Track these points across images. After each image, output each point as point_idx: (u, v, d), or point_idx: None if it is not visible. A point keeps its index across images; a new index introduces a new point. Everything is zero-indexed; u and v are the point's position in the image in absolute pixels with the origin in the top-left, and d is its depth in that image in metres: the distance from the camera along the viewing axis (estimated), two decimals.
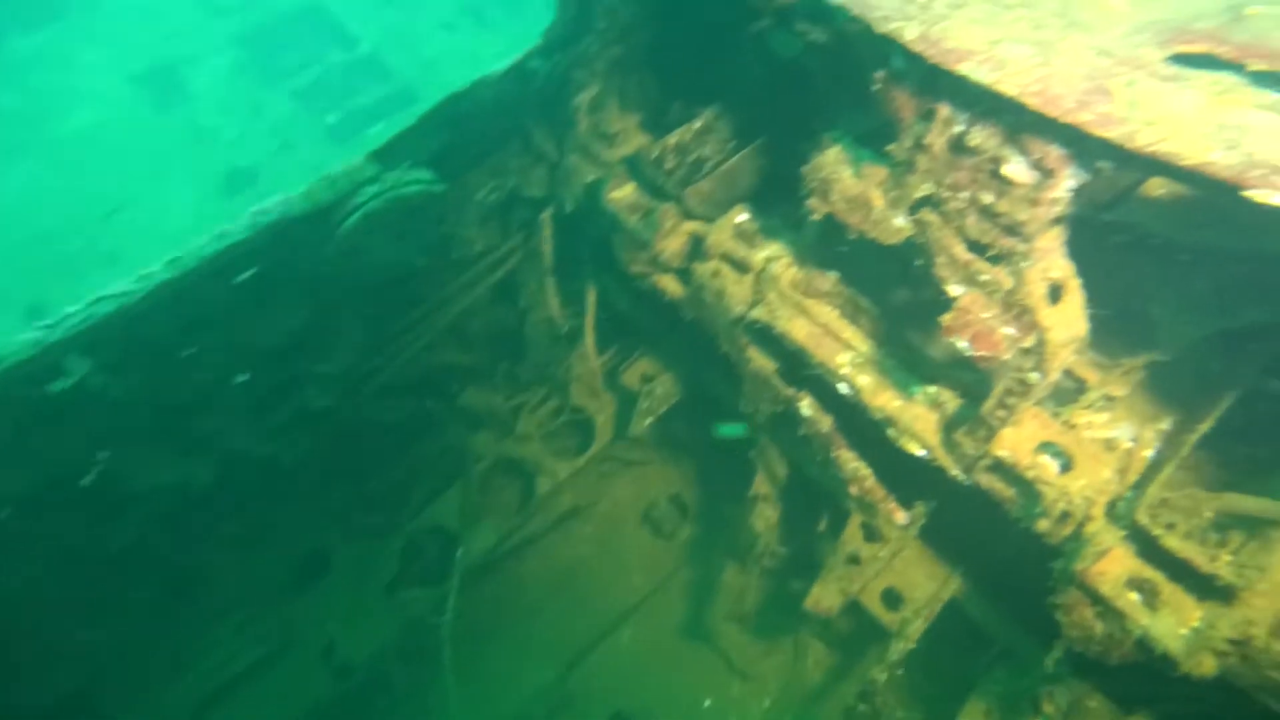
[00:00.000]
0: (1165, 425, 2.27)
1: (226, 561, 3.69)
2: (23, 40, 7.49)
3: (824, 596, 3.31)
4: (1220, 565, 1.85)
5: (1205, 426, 2.06)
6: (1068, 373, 2.42)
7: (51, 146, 6.57)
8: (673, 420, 4.22)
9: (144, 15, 7.91)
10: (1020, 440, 2.18)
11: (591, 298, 3.62)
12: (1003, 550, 2.55)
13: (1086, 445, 2.16)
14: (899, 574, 3.40)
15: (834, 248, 2.53)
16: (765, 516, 3.45)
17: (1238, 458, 2.19)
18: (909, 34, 1.59)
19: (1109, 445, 2.24)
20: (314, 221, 2.22)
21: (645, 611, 4.69)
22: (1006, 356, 1.83)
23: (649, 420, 4.05)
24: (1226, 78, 1.47)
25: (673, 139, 2.88)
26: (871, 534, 3.25)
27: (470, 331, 4.23)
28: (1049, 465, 2.15)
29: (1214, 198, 1.38)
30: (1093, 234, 2.12)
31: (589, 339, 3.80)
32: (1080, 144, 1.48)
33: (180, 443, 2.72)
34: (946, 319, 1.90)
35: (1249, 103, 1.39)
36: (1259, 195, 1.25)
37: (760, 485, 3.47)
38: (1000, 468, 2.21)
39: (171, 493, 2.83)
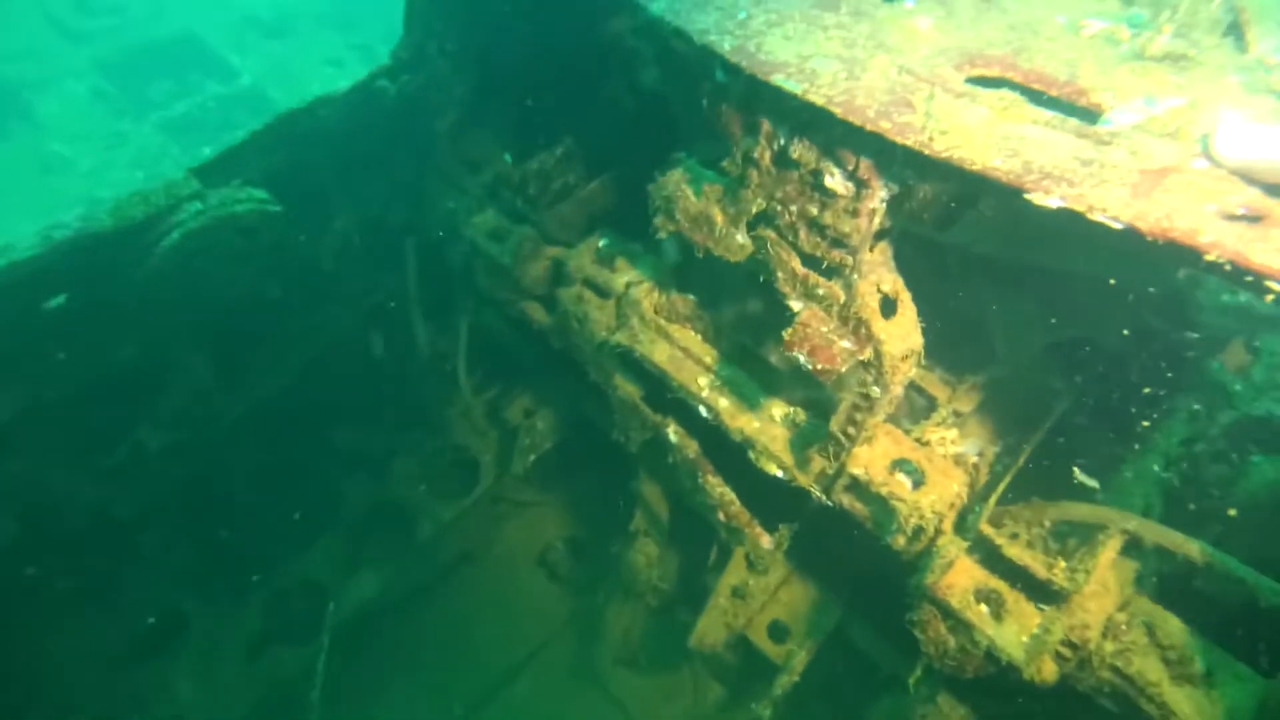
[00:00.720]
0: (1007, 438, 2.33)
1: (50, 630, 3.29)
2: None
3: (709, 631, 3.24)
4: (1056, 571, 1.88)
5: (1038, 436, 2.12)
6: (918, 389, 2.47)
7: None
8: (564, 455, 4.10)
9: None
10: (874, 458, 2.19)
11: (464, 329, 3.50)
12: (871, 571, 2.54)
13: (937, 461, 2.19)
14: (784, 605, 3.36)
15: (690, 270, 2.52)
16: (646, 552, 3.37)
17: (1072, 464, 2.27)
18: (726, 45, 1.60)
19: (958, 460, 2.28)
20: (124, 240, 2.02)
21: (542, 660, 4.48)
22: (844, 369, 1.83)
23: (532, 456, 3.93)
24: (1010, 95, 1.53)
25: (534, 164, 2.83)
26: (755, 565, 3.21)
27: (336, 367, 4.01)
28: (903, 482, 2.16)
29: (1010, 207, 1.42)
30: (931, 255, 2.19)
31: (463, 373, 3.66)
32: (886, 153, 1.50)
33: None
34: (787, 333, 1.89)
35: (1028, 118, 1.45)
36: (1034, 198, 1.28)
37: (639, 520, 3.39)
38: (856, 485, 2.21)
39: None
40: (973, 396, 2.37)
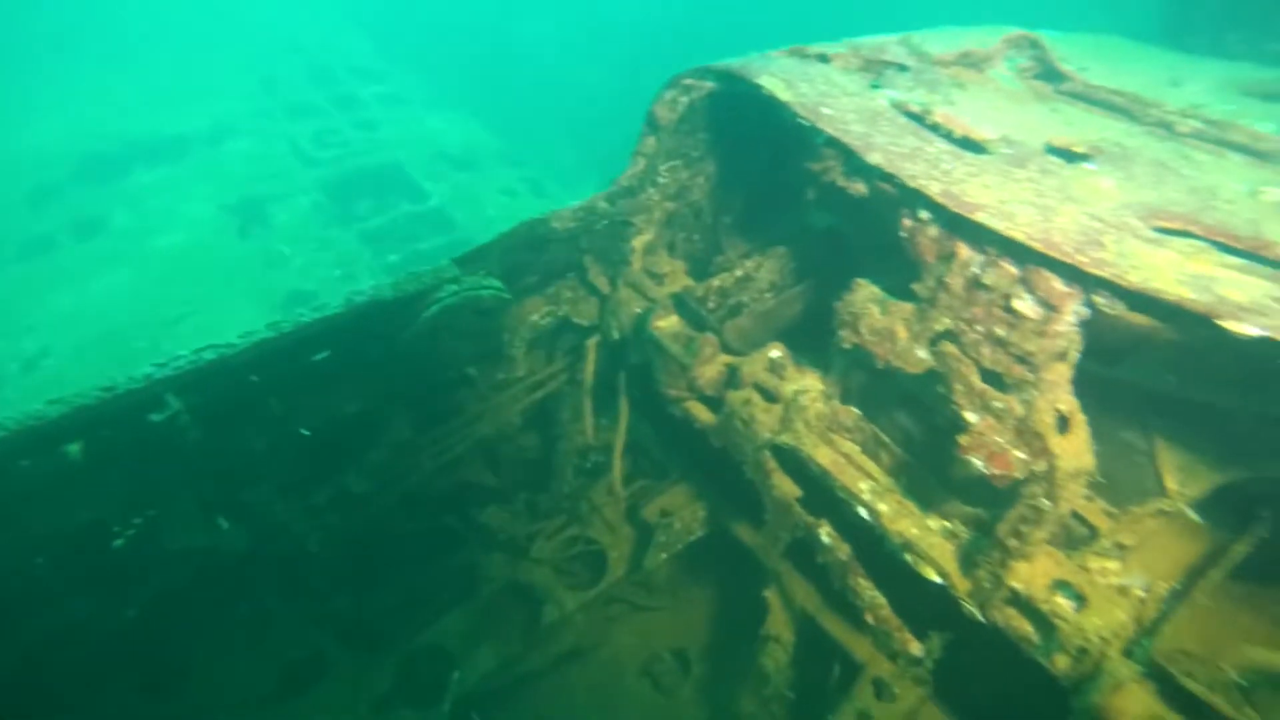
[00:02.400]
0: (1177, 578, 2.34)
1: (219, 656, 3.63)
2: (146, 173, 8.65)
3: None
4: (1245, 712, 1.86)
5: (1218, 575, 2.14)
6: (1079, 518, 2.53)
7: (145, 259, 7.31)
8: (690, 565, 4.24)
9: (250, 159, 9.06)
10: (1035, 575, 2.26)
11: (623, 424, 3.82)
12: (1015, 697, 2.50)
13: (1100, 588, 2.23)
14: None
15: (857, 385, 2.75)
16: (776, 657, 3.39)
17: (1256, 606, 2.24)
18: (934, 189, 1.92)
19: (1122, 591, 2.30)
20: (400, 307, 2.51)
21: None
22: (1019, 475, 1.98)
23: (663, 555, 4.09)
24: (1198, 244, 1.75)
25: (716, 281, 3.22)
26: (882, 691, 3.18)
27: (500, 453, 4.40)
28: (1064, 603, 2.22)
29: (1198, 341, 1.61)
30: (1105, 389, 2.34)
31: (617, 466, 3.94)
32: (1080, 282, 1.74)
33: (225, 504, 2.84)
34: (963, 439, 2.08)
35: (1216, 262, 1.67)
36: (1230, 325, 1.48)
37: (773, 624, 3.45)
38: (1016, 601, 2.27)
39: (201, 557, 2.90)
40: (1138, 530, 2.41)
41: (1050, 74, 2.65)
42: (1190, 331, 1.60)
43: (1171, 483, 2.32)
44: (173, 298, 6.73)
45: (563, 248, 3.16)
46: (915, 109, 2.32)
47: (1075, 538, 2.53)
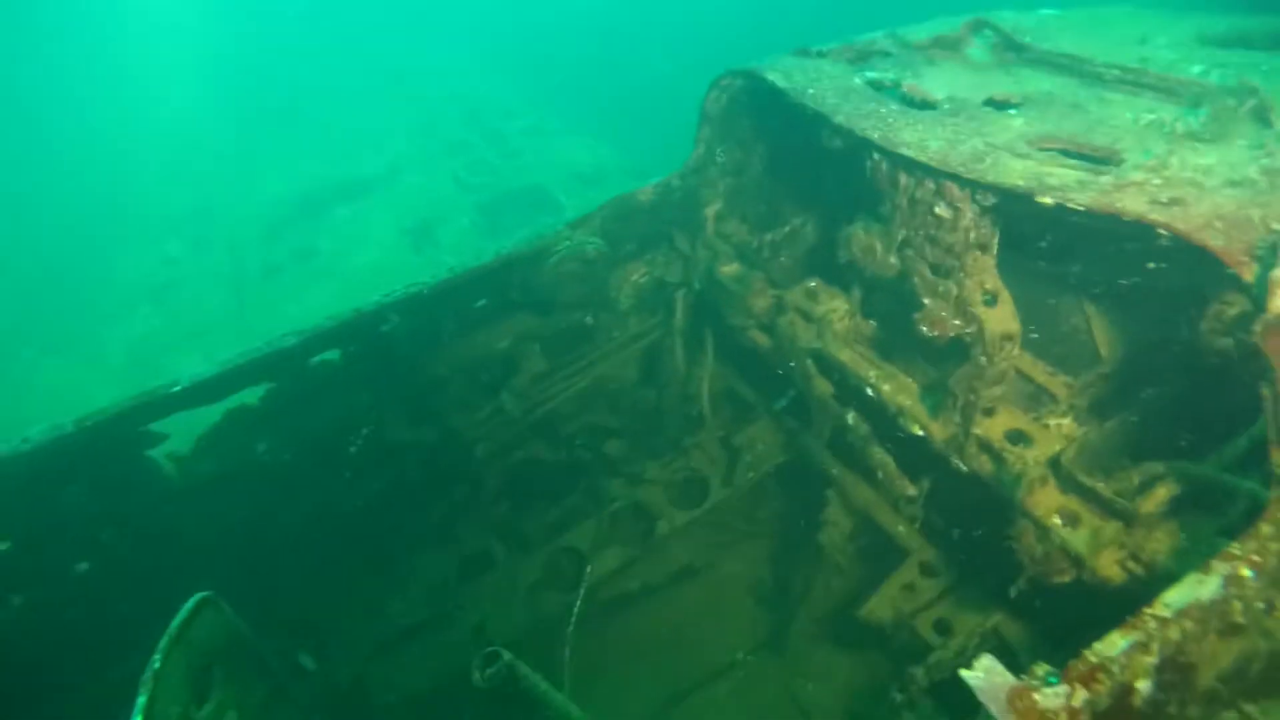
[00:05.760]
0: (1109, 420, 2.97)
1: (417, 548, 4.94)
2: (343, 208, 10.91)
3: (877, 609, 3.94)
4: (1119, 493, 2.53)
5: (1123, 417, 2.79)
6: (1043, 389, 3.20)
7: (347, 274, 9.30)
8: (787, 499, 5.06)
9: (421, 191, 11.07)
10: (994, 427, 2.99)
11: (709, 359, 4.78)
12: (979, 514, 3.16)
13: (1045, 432, 2.93)
14: (950, 609, 3.93)
15: (869, 298, 3.57)
16: (832, 537, 4.19)
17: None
18: (874, 135, 2.79)
19: (1064, 435, 2.97)
20: (531, 259, 3.67)
21: (742, 670, 5.25)
22: (951, 334, 2.76)
23: (751, 474, 4.98)
24: (1057, 155, 2.50)
25: (768, 236, 4.14)
26: (926, 569, 3.91)
27: (618, 398, 5.47)
28: (1014, 447, 2.94)
29: (1035, 215, 2.36)
30: (1053, 285, 3.04)
31: (704, 394, 4.90)
32: (969, 186, 2.55)
33: (421, 412, 4.11)
34: (917, 316, 2.88)
35: (1059, 164, 2.41)
36: (1040, 199, 2.25)
37: (831, 513, 4.26)
38: (980, 445, 3.01)
39: (413, 450, 4.18)
40: (1087, 393, 3.06)
41: (1015, 46, 3.37)
42: (1026, 207, 2.36)
43: (1104, 352, 2.97)
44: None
45: (647, 217, 4.21)
46: (887, 84, 3.16)
47: (1040, 403, 3.21)
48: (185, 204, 12.81)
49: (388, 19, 19.75)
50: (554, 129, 12.96)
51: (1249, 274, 1.82)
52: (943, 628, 3.87)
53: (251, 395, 3.88)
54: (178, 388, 3.37)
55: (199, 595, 2.71)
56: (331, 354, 3.76)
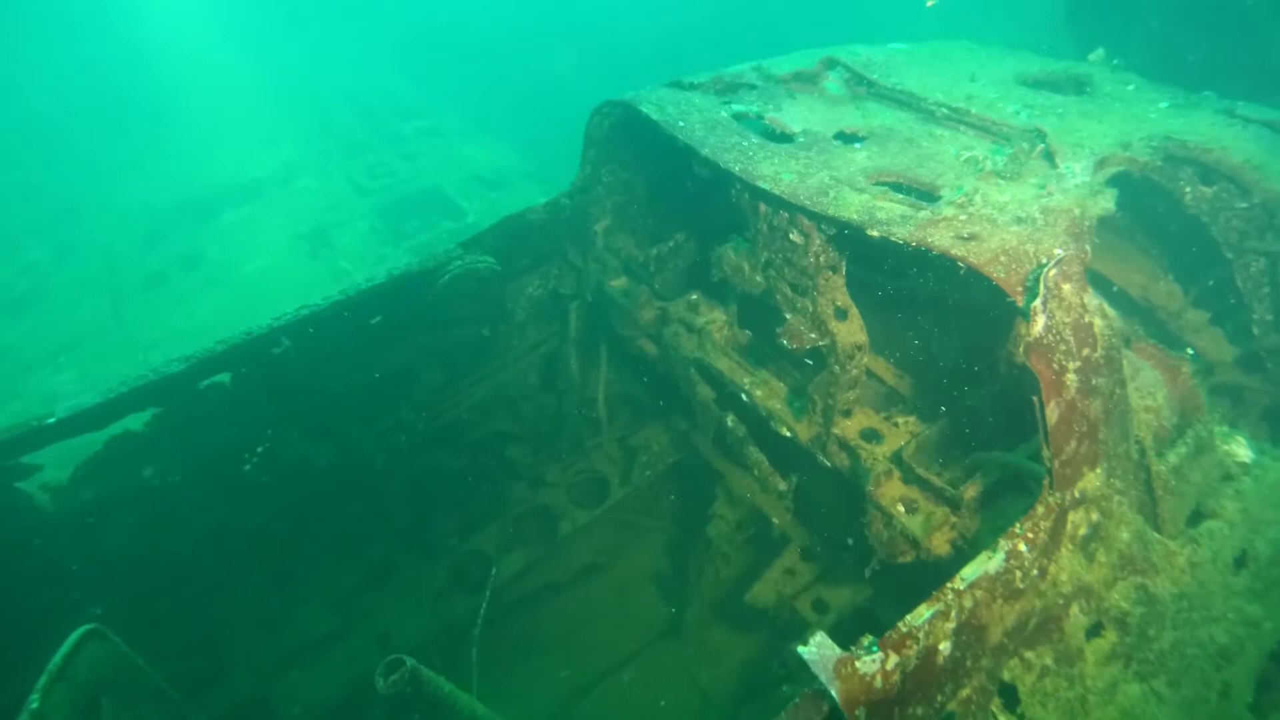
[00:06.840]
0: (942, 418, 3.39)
1: (320, 560, 4.96)
2: (231, 212, 10.47)
3: (762, 593, 4.29)
4: (950, 484, 2.93)
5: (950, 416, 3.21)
6: (894, 390, 3.61)
7: (237, 282, 8.98)
8: (683, 494, 5.36)
9: (315, 194, 10.78)
10: (850, 427, 3.36)
11: (603, 367, 5.02)
12: (839, 503, 3.55)
13: (893, 430, 3.32)
14: (826, 589, 4.33)
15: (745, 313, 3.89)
16: (719, 529, 4.53)
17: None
18: (736, 168, 3.08)
19: (910, 429, 3.38)
20: (422, 278, 3.78)
21: (645, 658, 5.52)
22: (807, 346, 3.10)
23: (647, 473, 5.26)
24: (888, 190, 2.86)
25: (654, 251, 4.40)
26: (806, 555, 4.28)
27: (518, 405, 5.63)
28: (867, 444, 3.31)
29: (872, 245, 2.71)
30: (899, 300, 3.42)
31: (601, 408, 5.14)
32: (815, 218, 2.87)
33: (318, 428, 4.16)
34: (779, 331, 3.21)
35: (889, 199, 2.77)
36: (870, 231, 2.59)
37: (719, 507, 4.59)
38: (839, 443, 3.37)
39: (311, 465, 4.21)
40: (927, 395, 3.48)
41: (864, 81, 3.75)
42: (862, 236, 2.71)
43: (940, 360, 3.39)
44: (262, 310, 8.31)
45: (539, 234, 4.40)
46: (751, 115, 3.47)
47: (892, 403, 3.62)
48: (47, 206, 11.98)
49: (268, 9, 18.94)
50: (454, 130, 12.84)
51: (1023, 301, 2.20)
52: (820, 606, 4.27)
53: (135, 421, 3.83)
54: (53, 419, 3.31)
55: (83, 628, 2.69)
56: (222, 376, 3.76)
